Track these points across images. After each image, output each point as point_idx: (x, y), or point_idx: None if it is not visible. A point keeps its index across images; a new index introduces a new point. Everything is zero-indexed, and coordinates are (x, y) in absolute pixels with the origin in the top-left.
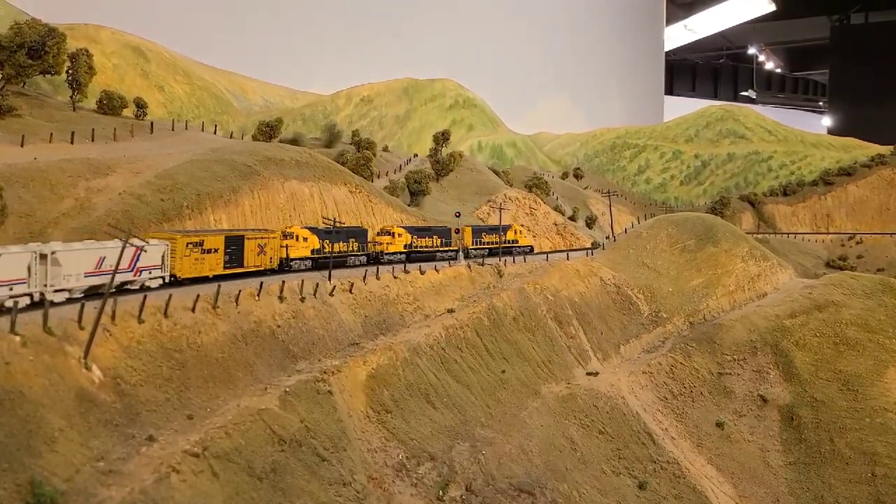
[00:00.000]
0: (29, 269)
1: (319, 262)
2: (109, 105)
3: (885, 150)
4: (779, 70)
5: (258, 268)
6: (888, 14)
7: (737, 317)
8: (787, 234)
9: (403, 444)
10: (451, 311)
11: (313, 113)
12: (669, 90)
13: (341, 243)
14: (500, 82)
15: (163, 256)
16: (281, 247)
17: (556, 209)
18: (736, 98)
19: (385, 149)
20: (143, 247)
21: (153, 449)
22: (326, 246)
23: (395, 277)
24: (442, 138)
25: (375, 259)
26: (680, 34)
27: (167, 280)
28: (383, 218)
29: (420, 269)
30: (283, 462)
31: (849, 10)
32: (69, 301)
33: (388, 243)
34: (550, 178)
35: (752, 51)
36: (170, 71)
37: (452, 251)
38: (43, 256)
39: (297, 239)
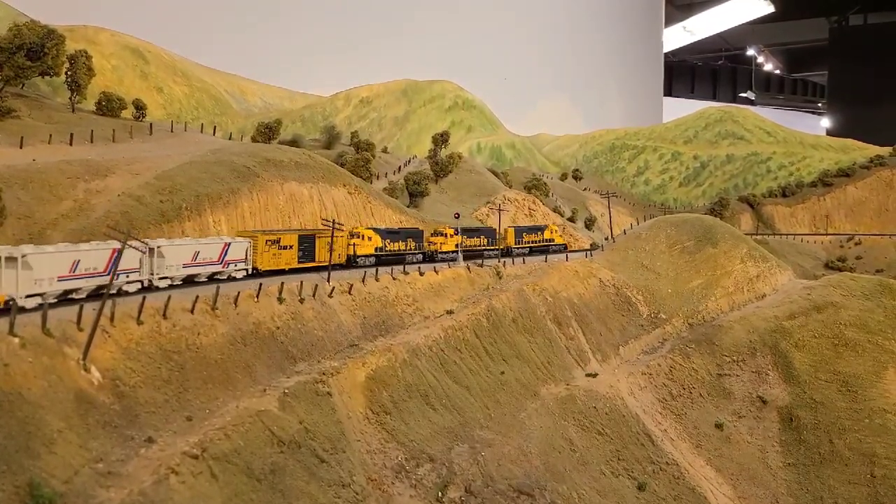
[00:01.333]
0: (140, 261)
1: (381, 259)
2: (108, 106)
3: (883, 151)
4: (777, 71)
5: (326, 263)
6: (886, 15)
7: (736, 318)
8: (786, 235)
9: (402, 446)
10: (450, 312)
11: (312, 114)
12: (668, 91)
13: (400, 243)
14: (499, 84)
15: (246, 251)
16: (348, 245)
17: (556, 210)
18: (735, 99)
19: (384, 150)
20: (230, 243)
21: (152, 450)
22: (388, 245)
23: (393, 279)
24: (441, 139)
25: (431, 257)
26: (679, 35)
27: (250, 272)
28: (382, 219)
29: (419, 271)
30: (282, 463)
31: (847, 11)
32: (171, 287)
33: (441, 243)
34: (549, 180)
35: (750, 52)
36: (169, 72)
37: (497, 250)
38: (151, 250)
39: (362, 238)
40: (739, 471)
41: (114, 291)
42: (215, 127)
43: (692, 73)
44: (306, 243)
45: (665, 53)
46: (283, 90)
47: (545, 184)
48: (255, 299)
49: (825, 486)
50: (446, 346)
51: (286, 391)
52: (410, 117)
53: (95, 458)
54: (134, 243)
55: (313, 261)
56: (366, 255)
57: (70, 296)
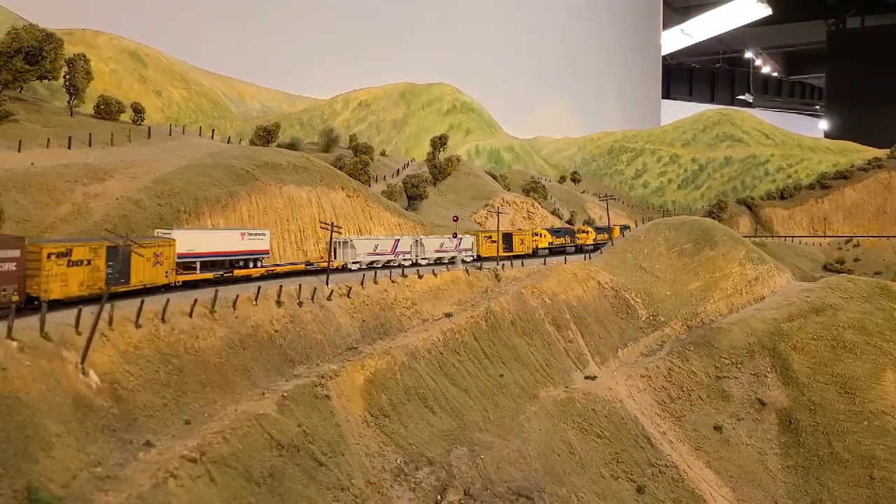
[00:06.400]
0: (411, 247)
1: (551, 250)
2: (107, 110)
3: (881, 153)
4: (775, 74)
5: (520, 252)
6: (884, 18)
7: (734, 320)
8: (785, 237)
9: (401, 449)
10: (448, 315)
11: (311, 117)
12: (666, 94)
13: (562, 238)
14: (497, 87)
15: (472, 244)
16: (533, 240)
17: (554, 213)
18: (733, 102)
19: (382, 153)
20: (462, 237)
21: (151, 454)
22: (555, 241)
23: (392, 282)
24: (439, 143)
25: (580, 248)
26: (677, 38)
27: (475, 257)
28: (380, 222)
29: (418, 274)
30: (281, 467)
31: (845, 13)
32: (427, 265)
33: (584, 238)
34: (548, 183)
35: (748, 55)
36: (167, 76)
37: (611, 242)
38: (416, 241)
39: (541, 236)
40: (739, 473)
41: (395, 265)
42: (213, 130)
43: (690, 75)
44: (507, 240)
45: (663, 56)
46: (282, 93)
47: (543, 186)
48: (254, 303)
49: (824, 489)
50: (445, 349)
51: (285, 394)
52: (409, 120)
53: (94, 462)
54: (406, 237)
55: (511, 251)
56: (542, 248)
57: (372, 265)
